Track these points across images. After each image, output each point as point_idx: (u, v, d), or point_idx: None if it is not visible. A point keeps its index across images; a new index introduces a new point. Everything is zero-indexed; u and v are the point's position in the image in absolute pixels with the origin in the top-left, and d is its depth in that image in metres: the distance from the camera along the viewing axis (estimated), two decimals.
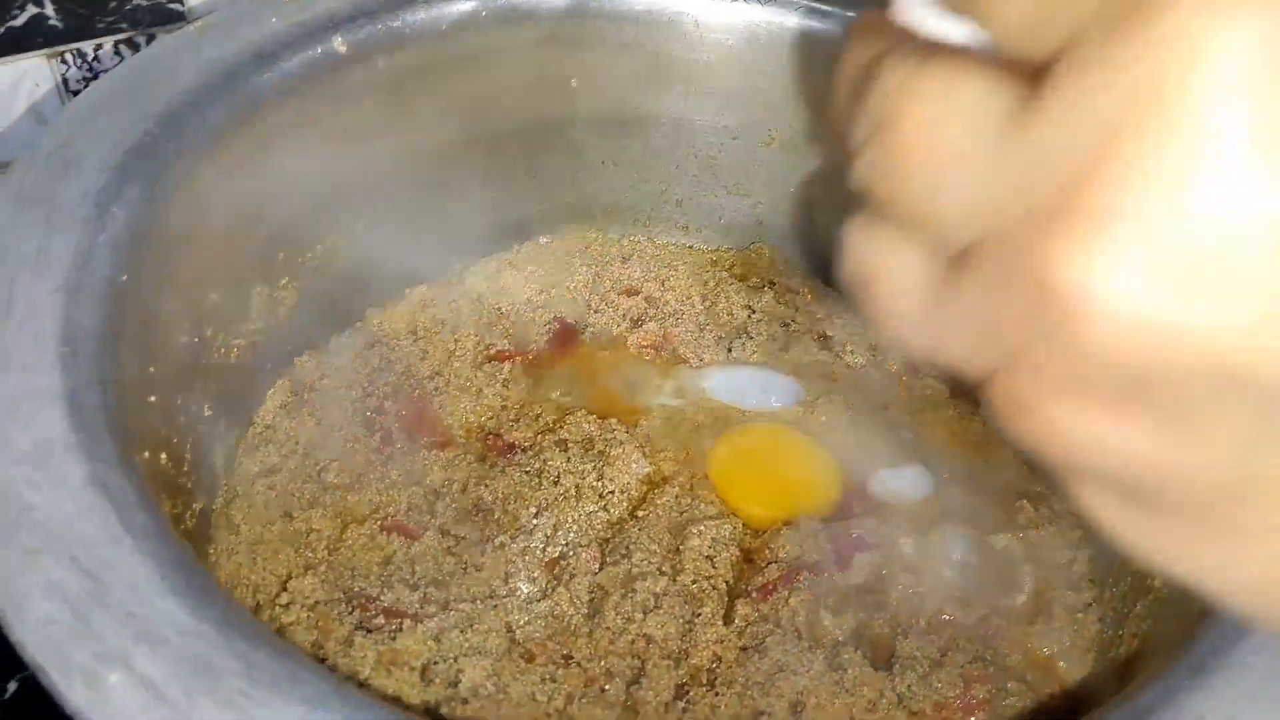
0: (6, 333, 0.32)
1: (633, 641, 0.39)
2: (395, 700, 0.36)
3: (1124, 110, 0.14)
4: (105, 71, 0.52)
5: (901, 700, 0.38)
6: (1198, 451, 0.15)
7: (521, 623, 0.40)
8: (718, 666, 0.39)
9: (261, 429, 0.46)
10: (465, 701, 0.37)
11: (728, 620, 0.41)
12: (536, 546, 0.42)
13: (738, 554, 0.43)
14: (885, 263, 0.18)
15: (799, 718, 0.37)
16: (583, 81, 0.52)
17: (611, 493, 0.44)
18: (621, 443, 0.46)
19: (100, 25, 0.53)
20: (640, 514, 0.44)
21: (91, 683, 0.25)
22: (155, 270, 0.38)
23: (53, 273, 0.33)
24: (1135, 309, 0.14)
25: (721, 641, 0.40)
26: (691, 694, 0.38)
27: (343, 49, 0.45)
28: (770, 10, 0.50)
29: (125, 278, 0.35)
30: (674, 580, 0.41)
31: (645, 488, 0.45)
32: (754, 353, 0.51)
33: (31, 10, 0.51)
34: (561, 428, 0.47)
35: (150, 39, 0.54)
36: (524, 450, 0.46)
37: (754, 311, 0.53)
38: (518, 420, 0.47)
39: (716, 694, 0.38)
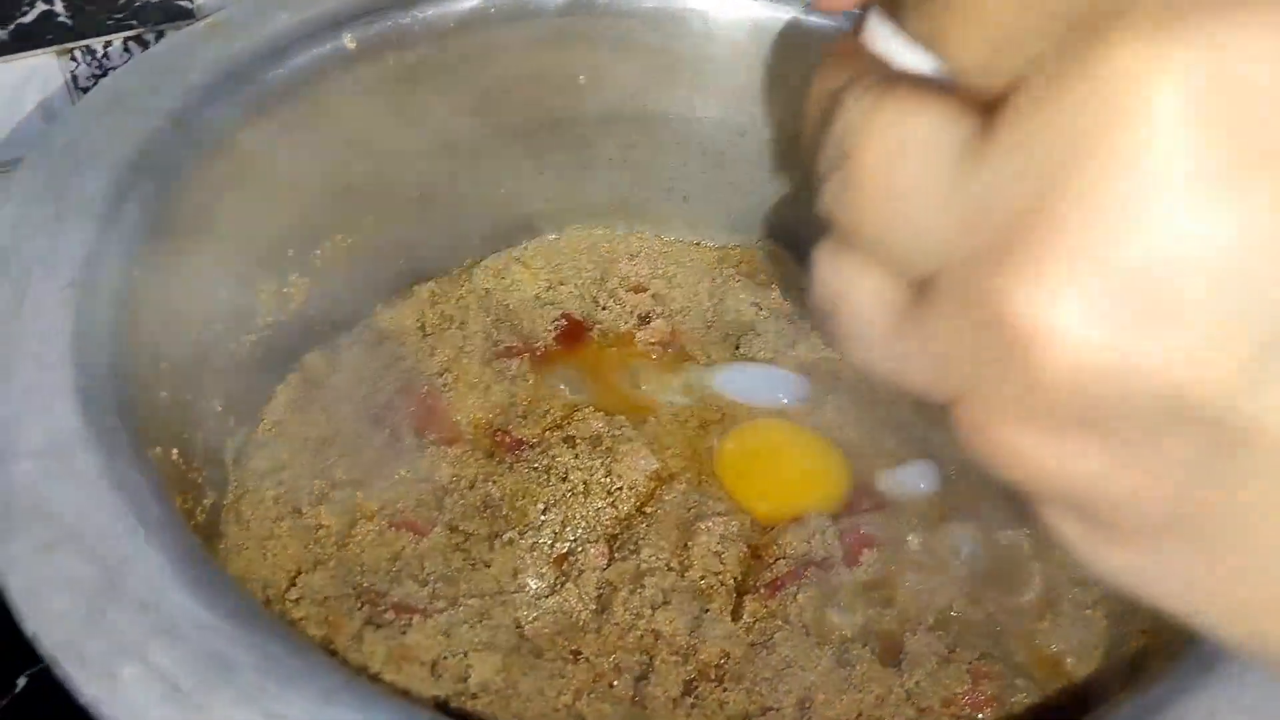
0: (19, 328, 0.32)
1: (641, 637, 0.39)
2: (405, 695, 0.36)
3: (1070, 148, 0.14)
4: (114, 69, 0.53)
5: (909, 696, 0.38)
6: (1150, 479, 0.16)
7: (530, 618, 0.40)
8: (726, 663, 0.39)
9: (271, 425, 0.46)
10: (474, 696, 0.37)
11: (736, 616, 0.41)
12: (545, 543, 0.42)
13: (745, 550, 0.43)
14: (851, 288, 0.19)
15: (807, 714, 0.38)
16: (590, 78, 0.52)
17: (619, 489, 0.44)
18: (629, 439, 0.46)
19: (109, 22, 0.53)
20: (648, 510, 0.44)
21: (107, 675, 0.25)
22: (166, 267, 0.38)
23: (64, 269, 0.34)
24: (1084, 341, 0.15)
25: (730, 638, 0.40)
26: (700, 690, 0.38)
27: (351, 46, 0.45)
28: (778, 7, 0.50)
29: (137, 274, 0.36)
30: (682, 576, 0.41)
31: (653, 484, 0.45)
32: (761, 350, 0.51)
33: (41, 7, 0.51)
34: (569, 424, 0.47)
35: (159, 36, 0.54)
36: (532, 447, 0.46)
37: (761, 308, 0.53)
38: (526, 417, 0.48)
39: (724, 690, 0.38)
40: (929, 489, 0.46)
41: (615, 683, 0.38)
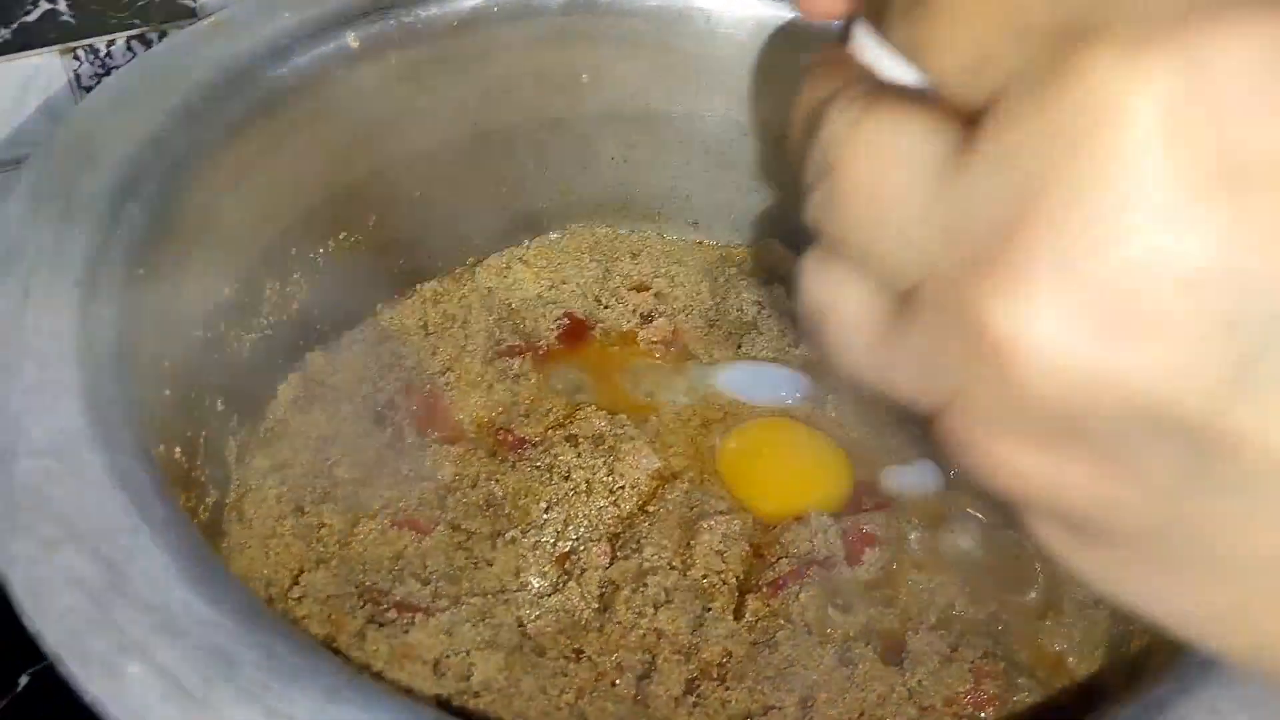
0: (24, 326, 0.32)
1: (643, 636, 0.39)
2: (407, 693, 0.36)
3: (1047, 161, 0.15)
4: (117, 68, 0.53)
5: (912, 695, 0.38)
6: (1130, 490, 0.16)
7: (533, 617, 0.40)
8: (728, 661, 0.39)
9: (273, 424, 0.46)
10: (477, 695, 0.37)
11: (738, 615, 0.41)
12: (547, 541, 0.42)
13: (748, 549, 0.43)
14: (838, 298, 0.19)
15: (809, 713, 0.38)
16: (593, 77, 0.52)
17: (622, 488, 0.44)
18: (632, 438, 0.46)
19: (113, 21, 0.53)
20: (651, 509, 0.44)
21: (111, 673, 0.25)
22: (170, 265, 0.38)
23: (69, 267, 0.34)
24: (1062, 354, 0.15)
25: (732, 636, 0.40)
26: (702, 689, 0.38)
27: (355, 44, 0.46)
28: (780, 6, 0.50)
29: (141, 272, 0.36)
30: (684, 575, 0.41)
31: (655, 483, 0.45)
32: (764, 348, 0.51)
33: (44, 6, 0.51)
34: (572, 423, 0.47)
35: (162, 35, 0.54)
36: (534, 445, 0.46)
37: (764, 307, 0.53)
38: (528, 416, 0.48)
39: (727, 689, 0.38)
40: (931, 488, 0.46)
41: (618, 681, 0.38)
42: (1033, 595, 0.42)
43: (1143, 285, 0.14)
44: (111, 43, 0.53)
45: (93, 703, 0.24)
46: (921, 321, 0.17)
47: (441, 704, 0.36)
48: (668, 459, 0.46)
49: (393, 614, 0.39)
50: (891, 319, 0.18)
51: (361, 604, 0.39)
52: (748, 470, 0.46)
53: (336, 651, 0.37)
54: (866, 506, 0.45)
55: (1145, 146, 0.14)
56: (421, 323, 0.51)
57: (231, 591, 0.27)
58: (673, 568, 0.41)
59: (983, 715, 0.38)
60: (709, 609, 0.40)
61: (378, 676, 0.37)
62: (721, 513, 0.44)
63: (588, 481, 0.44)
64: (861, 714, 0.38)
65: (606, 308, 0.53)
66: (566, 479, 0.44)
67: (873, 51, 0.18)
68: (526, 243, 0.56)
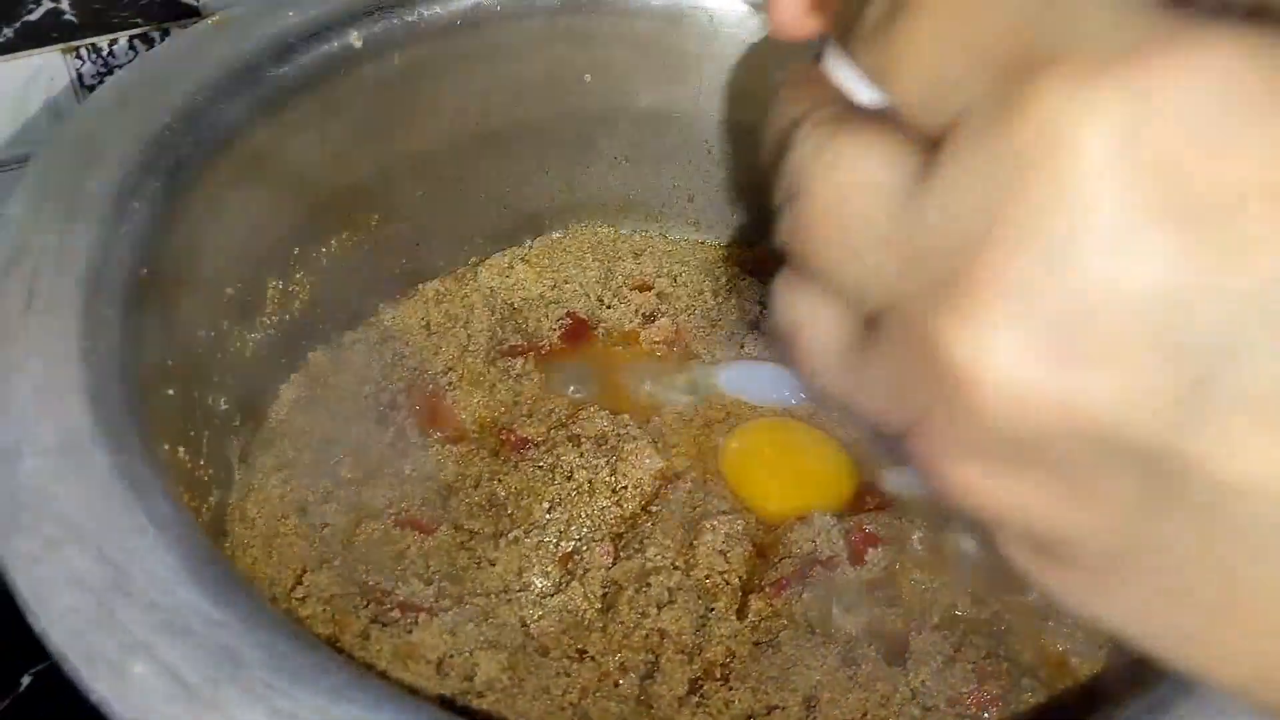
0: (29, 325, 0.32)
1: (646, 636, 0.39)
2: (411, 693, 0.36)
3: (1001, 190, 0.15)
4: (119, 66, 0.53)
5: (915, 695, 0.38)
6: (1090, 514, 0.16)
7: (536, 617, 0.40)
8: (731, 661, 0.39)
9: (276, 423, 0.46)
10: (481, 695, 0.37)
11: (741, 615, 0.41)
12: (550, 541, 0.42)
13: (751, 549, 0.43)
14: (807, 318, 0.19)
15: (813, 713, 0.38)
16: (596, 76, 0.52)
17: (624, 488, 0.44)
18: (634, 438, 0.46)
19: (115, 20, 0.53)
20: (653, 509, 0.44)
21: (116, 672, 0.25)
22: (174, 264, 0.38)
23: (74, 266, 0.34)
24: (1019, 380, 0.15)
25: (735, 636, 0.40)
26: (705, 688, 0.38)
27: (358, 44, 0.46)
28: None
29: (145, 271, 0.36)
30: (687, 575, 0.41)
31: (658, 483, 0.45)
32: (767, 348, 0.51)
33: (47, 5, 0.51)
34: (574, 423, 0.47)
35: (165, 34, 0.54)
36: (537, 445, 0.46)
37: (766, 307, 0.53)
38: (530, 415, 0.48)
39: (730, 689, 0.38)
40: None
41: (621, 681, 0.38)
42: (1035, 595, 0.42)
43: (1095, 312, 0.14)
44: (114, 42, 0.53)
45: (98, 702, 0.24)
46: (885, 345, 0.17)
47: (445, 704, 0.36)
48: (670, 459, 0.46)
49: (396, 614, 0.39)
50: (859, 341, 0.18)
51: (365, 604, 0.39)
52: (750, 470, 0.46)
53: (340, 651, 0.37)
54: (869, 506, 0.45)
55: (1095, 177, 0.14)
56: (424, 322, 0.51)
57: (236, 591, 0.27)
58: (675, 568, 0.41)
59: (986, 715, 0.38)
60: (712, 609, 0.40)
61: (381, 676, 0.37)
62: (724, 513, 0.44)
63: (590, 481, 0.44)
64: (865, 714, 0.38)
65: (609, 307, 0.53)
66: (569, 479, 0.44)
67: (842, 72, 0.18)
68: (529, 242, 0.56)
